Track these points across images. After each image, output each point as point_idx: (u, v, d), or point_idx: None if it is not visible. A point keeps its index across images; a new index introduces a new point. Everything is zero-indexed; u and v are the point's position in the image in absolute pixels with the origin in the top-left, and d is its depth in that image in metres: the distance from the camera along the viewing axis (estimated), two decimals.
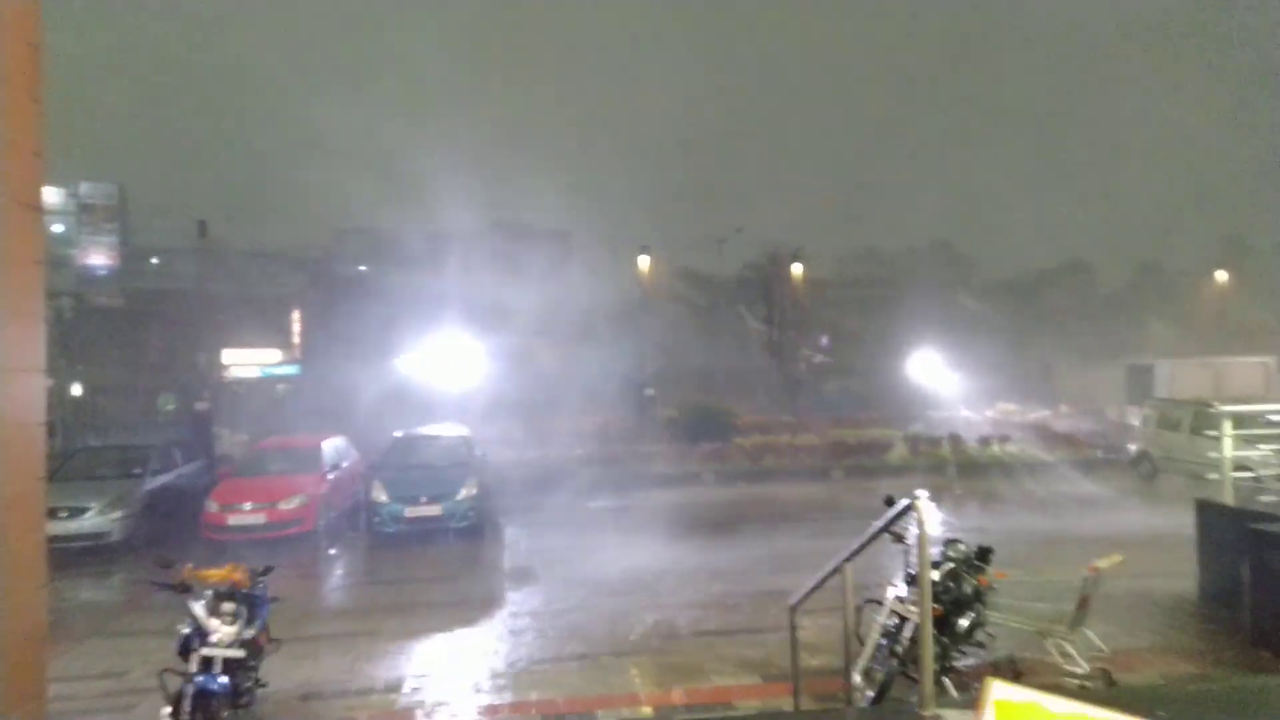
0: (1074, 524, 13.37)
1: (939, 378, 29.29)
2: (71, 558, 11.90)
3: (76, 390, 32.94)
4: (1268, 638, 7.04)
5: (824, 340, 33.03)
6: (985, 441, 20.07)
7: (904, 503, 3.77)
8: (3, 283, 4.73)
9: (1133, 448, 18.57)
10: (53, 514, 12.00)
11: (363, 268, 43.02)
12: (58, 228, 39.60)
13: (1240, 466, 11.20)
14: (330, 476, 13.82)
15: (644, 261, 27.73)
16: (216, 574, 5.85)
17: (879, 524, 4.11)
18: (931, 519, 3.25)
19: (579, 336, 31.65)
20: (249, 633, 5.89)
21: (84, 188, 41.03)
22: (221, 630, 5.59)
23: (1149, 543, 11.50)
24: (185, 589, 5.72)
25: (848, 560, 4.39)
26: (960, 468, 18.97)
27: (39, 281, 5.04)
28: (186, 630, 5.59)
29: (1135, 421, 20.18)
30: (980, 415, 27.19)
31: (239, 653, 5.64)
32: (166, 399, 33.98)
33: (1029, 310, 38.38)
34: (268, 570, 6.45)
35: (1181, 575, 9.21)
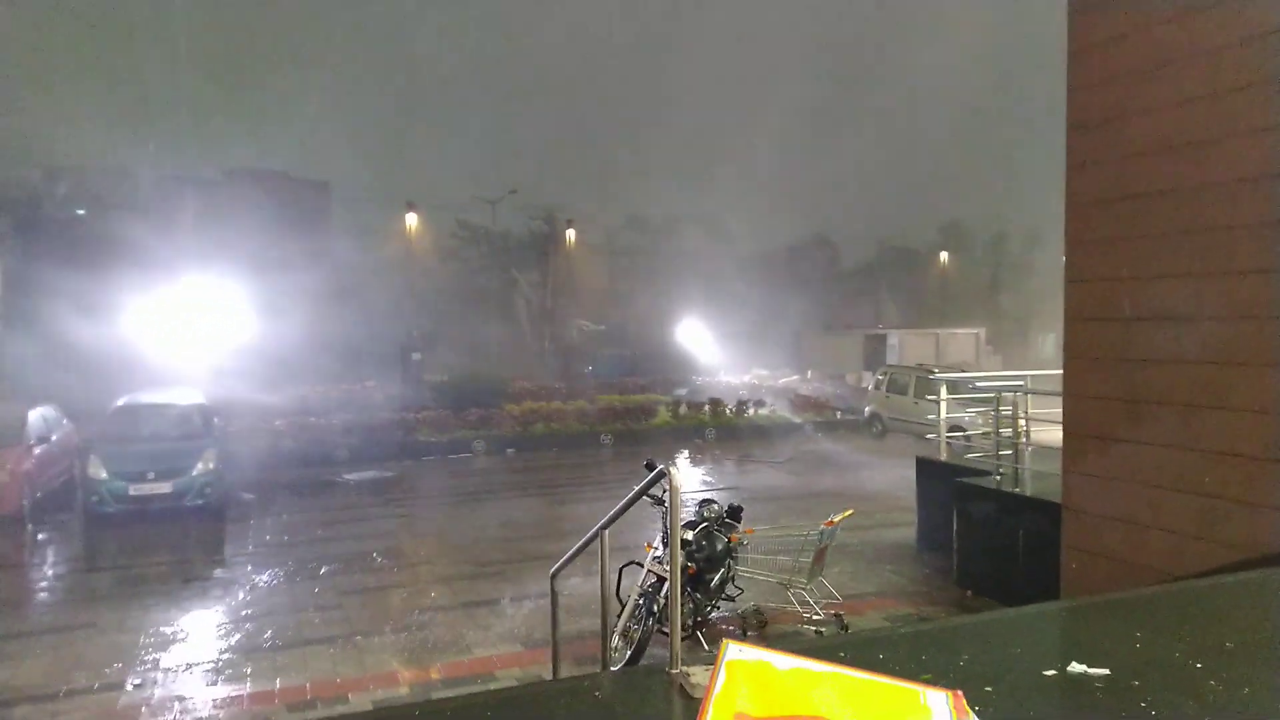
0: (816, 480, 14.54)
1: (702, 345, 30.74)
2: None
3: None
4: (969, 578, 8.01)
5: (591, 307, 33.52)
6: (741, 405, 21.29)
7: (659, 468, 3.82)
8: None
9: (867, 410, 20.47)
10: None
11: (80, 211, 37.90)
12: None
13: (955, 427, 12.67)
14: (36, 450, 12.06)
15: (411, 219, 26.57)
16: None
17: (635, 490, 4.15)
18: (680, 485, 3.30)
19: (340, 295, 29.88)
20: None
21: None
22: None
23: (878, 496, 12.75)
24: None
25: (605, 527, 4.40)
26: (719, 430, 20.03)
27: None
28: None
29: (869, 386, 22.26)
30: (738, 380, 28.84)
31: None
32: None
33: (780, 282, 41.15)
34: None
35: (906, 525, 10.28)
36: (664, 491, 6.18)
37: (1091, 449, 5.76)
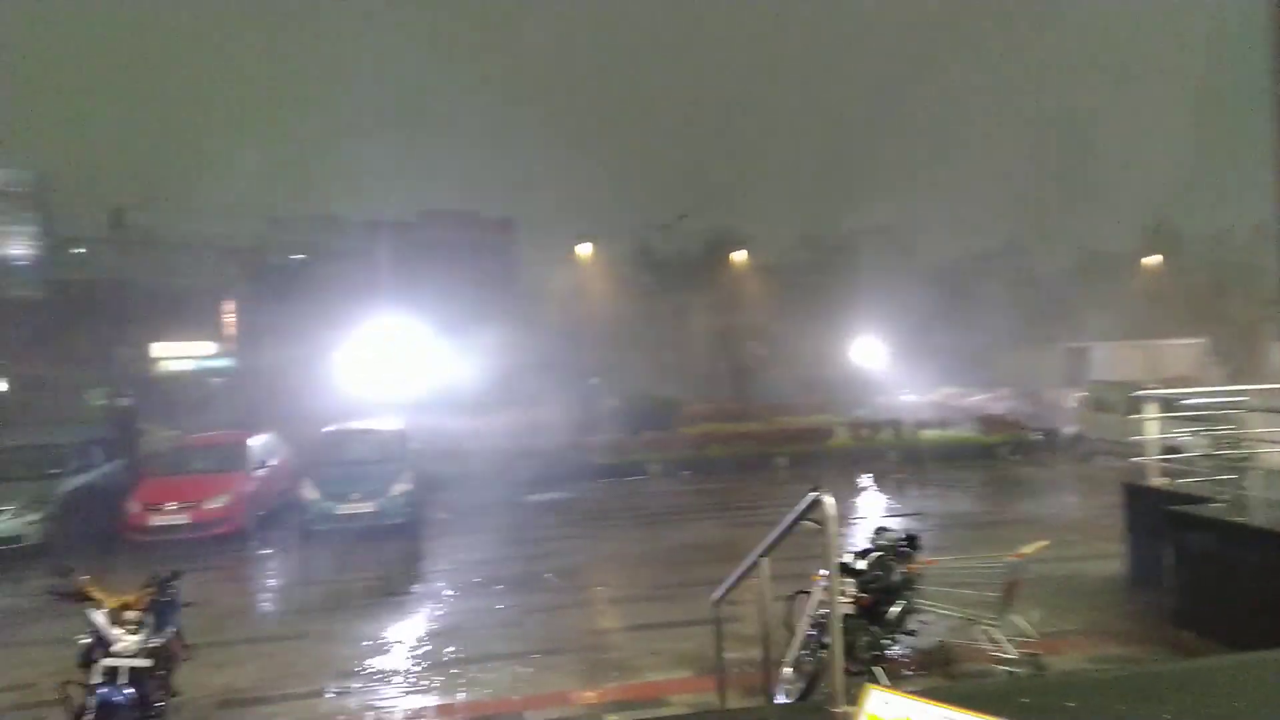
0: (1010, 507, 13.61)
1: (882, 363, 29.63)
2: None
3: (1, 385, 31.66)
4: (1189, 618, 7.17)
5: (766, 327, 33.17)
6: (926, 426, 20.30)
7: (811, 496, 3.68)
8: None
9: (1069, 430, 18.94)
10: None
11: (299, 257, 41.96)
12: None
13: (1170, 449, 11.46)
14: (258, 474, 13.38)
15: (585, 249, 27.45)
16: (114, 601, 5.49)
17: (790, 517, 4.02)
18: (834, 512, 3.16)
19: (522, 325, 31.28)
20: (157, 640, 5.59)
21: None
22: (125, 639, 5.29)
23: (1082, 525, 11.74)
24: (85, 598, 5.40)
25: (763, 554, 4.29)
26: (901, 453, 19.17)
27: None
28: (87, 640, 5.29)
29: (1071, 404, 20.61)
30: (922, 399, 27.55)
31: (145, 662, 5.35)
32: (95, 394, 32.78)
33: (969, 294, 38.98)
34: (176, 575, 6.13)
35: (1112, 557, 9.38)
36: (829, 518, 5.98)
37: None
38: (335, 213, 44.12)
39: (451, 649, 7.59)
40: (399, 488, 12.58)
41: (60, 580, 5.44)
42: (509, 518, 14.05)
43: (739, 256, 35.13)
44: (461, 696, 6.49)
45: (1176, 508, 7.55)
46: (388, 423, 14.98)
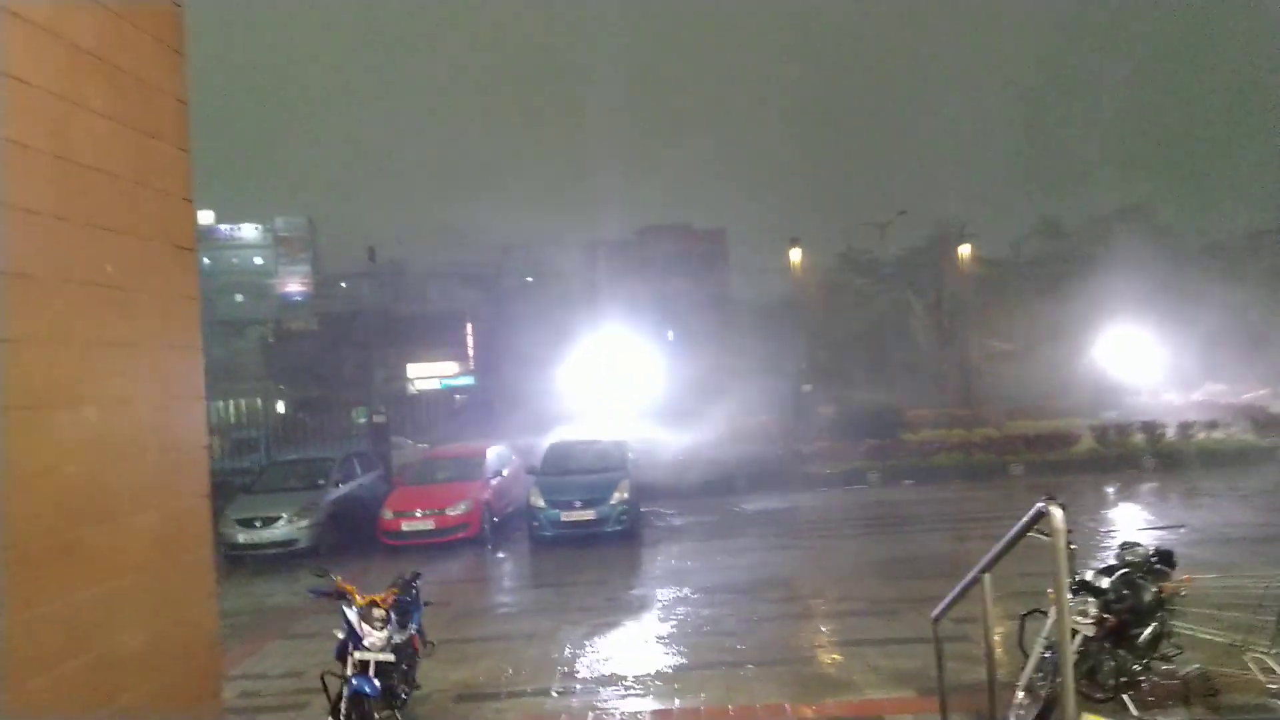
0: None
1: (1134, 360, 26.74)
2: (265, 563, 13.05)
3: (280, 408, 36.15)
4: None
5: (997, 325, 30.99)
6: (1187, 428, 18.11)
7: (1038, 507, 3.40)
8: (163, 318, 5.20)
9: None
10: (248, 524, 13.19)
11: (529, 279, 44.70)
12: (258, 260, 43.90)
13: None
14: (493, 483, 14.39)
15: (795, 254, 27.09)
16: (363, 600, 6.09)
17: (1014, 530, 3.74)
18: (1063, 525, 2.91)
19: (736, 334, 31.34)
20: (400, 637, 6.14)
21: (278, 222, 45.08)
22: (372, 635, 5.85)
23: None
24: (341, 596, 6.03)
25: (985, 569, 4.02)
26: (1157, 459, 17.24)
27: (194, 316, 5.49)
28: (342, 635, 5.91)
29: None
30: (1184, 399, 24.62)
31: (390, 656, 5.89)
32: (359, 412, 36.65)
33: (1240, 276, 34.29)
34: (416, 575, 6.72)
35: None
36: (1070, 531, 5.50)
37: None
38: (560, 235, 46.65)
39: (668, 655, 7.74)
40: (618, 496, 13.03)
41: (319, 581, 6.13)
42: (725, 526, 14.12)
43: (965, 251, 33.14)
44: (678, 703, 6.60)
45: None
46: (609, 434, 15.60)
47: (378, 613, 5.97)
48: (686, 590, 10.06)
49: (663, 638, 8.31)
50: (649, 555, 12.27)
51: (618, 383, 24.51)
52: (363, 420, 34.85)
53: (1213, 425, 18.35)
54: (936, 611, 5.04)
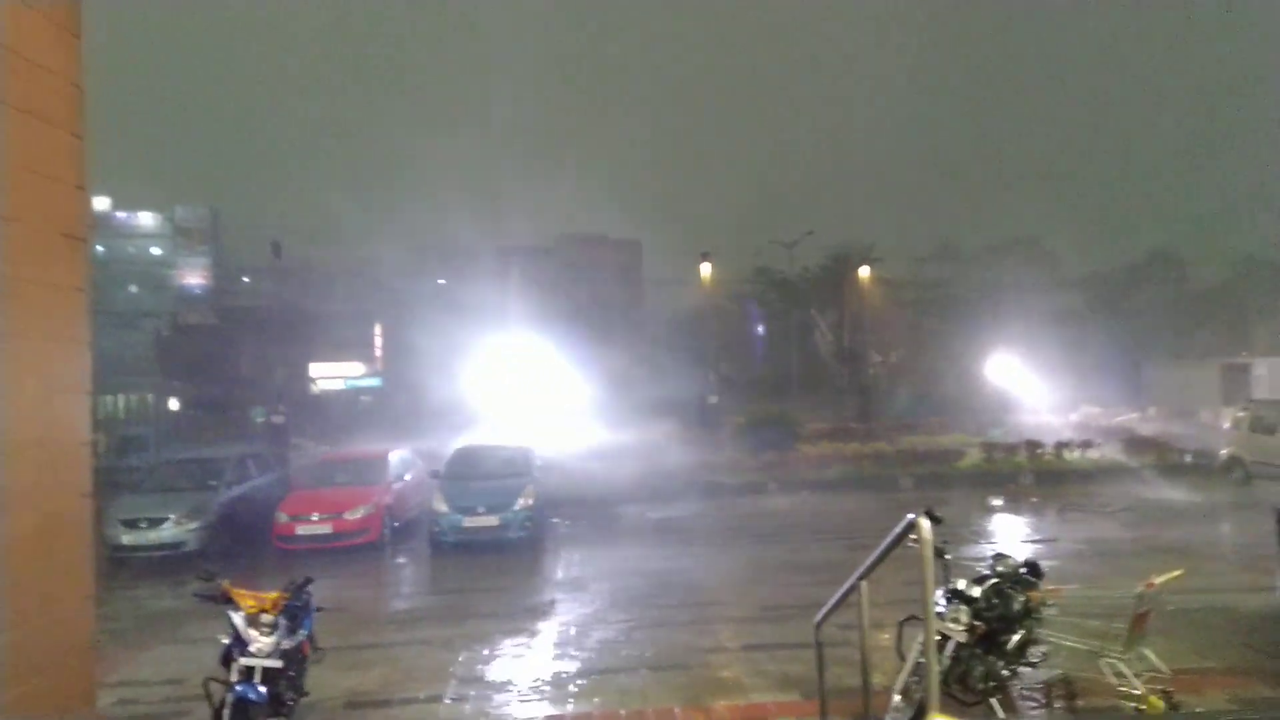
0: (1155, 534, 12.72)
1: (1019, 380, 28.24)
2: (152, 566, 12.51)
3: (173, 405, 34.65)
4: None
5: (894, 344, 32.24)
6: (1065, 447, 19.24)
7: (908, 519, 3.64)
8: (47, 309, 5.01)
9: (1224, 452, 17.55)
10: (133, 524, 12.65)
11: (441, 281, 44.09)
12: (155, 250, 41.96)
13: None
14: (395, 487, 14.17)
15: (706, 269, 27.59)
16: (253, 601, 5.98)
17: (888, 540, 3.98)
18: (930, 536, 3.13)
19: (647, 343, 31.69)
20: (289, 643, 6.03)
21: (179, 211, 43.28)
22: (259, 641, 5.74)
23: (1234, 554, 10.89)
24: (227, 600, 5.90)
25: (861, 577, 4.26)
26: (1038, 475, 18.24)
27: (82, 307, 5.32)
28: (227, 640, 5.78)
29: (1228, 424, 19.07)
30: (1063, 419, 26.11)
31: (277, 663, 5.78)
32: (258, 412, 35.45)
33: (1116, 307, 36.67)
34: (308, 581, 6.60)
35: (1266, 589, 8.68)
36: (946, 542, 5.83)
37: None
38: (475, 238, 46.17)
39: (564, 661, 7.81)
40: (522, 503, 13.02)
41: (204, 584, 5.98)
42: (628, 534, 14.27)
43: (866, 272, 34.38)
44: (570, 708, 6.68)
45: None
46: (514, 440, 15.55)
47: (266, 618, 5.86)
48: (585, 596, 10.16)
49: (559, 644, 8.37)
50: (551, 562, 12.32)
51: (527, 389, 24.45)
52: (261, 420, 33.75)
53: (1087, 445, 19.52)
54: (818, 617, 5.28)
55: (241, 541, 13.39)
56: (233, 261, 43.35)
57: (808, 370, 35.31)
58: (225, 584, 5.91)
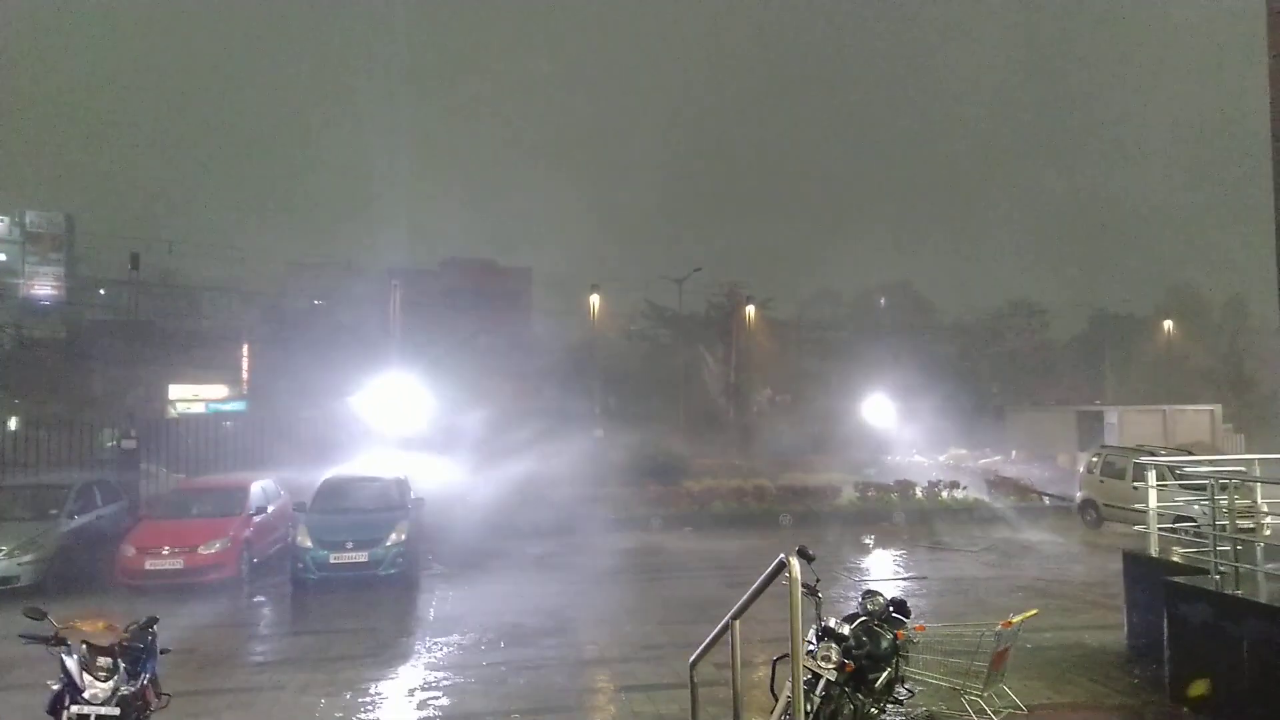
0: (1015, 573, 13.32)
1: (893, 422, 29.39)
2: None
3: (11, 425, 31.85)
4: (1185, 693, 6.94)
5: (778, 383, 33.08)
6: (934, 487, 20.05)
7: (779, 559, 3.62)
8: None
9: (1079, 495, 18.65)
10: None
11: (317, 302, 42.46)
12: (0, 256, 38.77)
13: (1182, 517, 11.23)
14: (256, 519, 13.35)
15: (595, 301, 27.63)
16: (91, 627, 5.49)
17: (760, 581, 3.96)
18: (799, 576, 3.09)
19: (532, 374, 31.34)
20: (129, 688, 5.51)
21: (30, 216, 40.24)
22: (95, 686, 5.22)
23: (1086, 593, 11.48)
24: (59, 642, 5.35)
25: (734, 617, 4.21)
26: (908, 514, 18.91)
27: None
28: (57, 687, 5.23)
29: (1082, 468, 20.32)
30: (933, 460, 27.28)
31: (113, 710, 5.26)
32: (107, 435, 33.02)
33: (983, 354, 38.86)
34: (153, 621, 6.07)
35: (1114, 628, 9.15)
36: (818, 580, 5.88)
37: None
38: (356, 260, 44.76)
39: (433, 705, 7.45)
40: (395, 538, 12.47)
41: (33, 623, 5.40)
42: (506, 570, 13.90)
43: (752, 311, 35.22)
44: None
45: (1175, 578, 7.37)
46: (388, 471, 14.91)
47: (103, 661, 5.34)
48: (458, 636, 9.78)
49: (430, 687, 8.00)
50: (424, 600, 11.83)
51: (405, 417, 23.68)
52: (110, 443, 31.44)
53: (954, 485, 20.41)
54: (693, 658, 5.20)
55: (83, 577, 12.32)
56: (89, 273, 40.55)
57: (694, 406, 35.74)
58: (57, 624, 5.36)
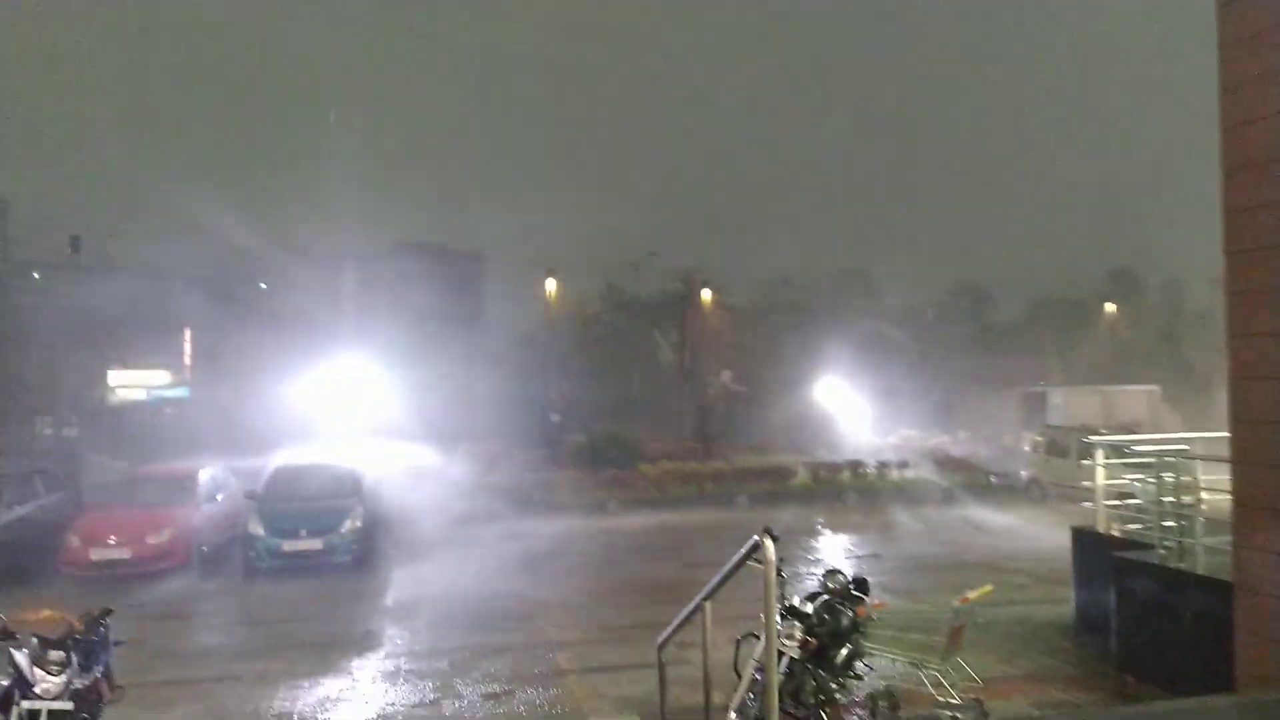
0: (965, 550, 13.64)
1: (845, 404, 29.78)
2: None
3: None
4: (1132, 663, 7.20)
5: (733, 367, 33.27)
6: (885, 467, 20.42)
7: (753, 540, 3.65)
8: None
9: (1024, 474, 19.15)
10: None
11: (262, 285, 41.50)
12: None
13: (1124, 495, 11.59)
14: (205, 508, 13.06)
15: (550, 285, 27.49)
16: (39, 618, 5.34)
17: (733, 561, 3.99)
18: (774, 557, 3.13)
19: (487, 360, 31.10)
20: (82, 681, 5.38)
21: None
22: (47, 680, 5.09)
23: (1034, 569, 11.81)
24: (8, 635, 5.19)
25: (706, 598, 4.25)
26: (860, 493, 19.24)
27: None
28: (7, 682, 5.08)
29: (1027, 448, 20.86)
30: (883, 441, 27.74)
31: (67, 705, 5.14)
32: (46, 423, 31.96)
33: (931, 336, 39.59)
34: (107, 612, 5.91)
35: (1062, 602, 9.43)
36: (782, 560, 5.96)
37: (1269, 522, 5.08)
38: (302, 243, 43.76)
39: (391, 693, 7.40)
40: (349, 525, 12.33)
41: None
42: (461, 556, 13.80)
43: (707, 296, 35.33)
44: None
45: (1121, 554, 7.61)
46: (340, 457, 14.68)
47: (55, 655, 5.20)
48: (416, 623, 9.70)
49: (392, 673, 7.93)
50: (380, 587, 11.69)
51: (357, 403, 23.33)
52: (50, 432, 30.46)
53: (904, 465, 20.80)
54: (661, 638, 5.24)
55: (25, 568, 11.91)
56: (22, 255, 39.00)
57: (650, 390, 35.80)
58: (12, 613, 5.20)
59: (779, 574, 6.24)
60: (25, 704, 4.97)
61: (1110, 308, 44.50)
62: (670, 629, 5.13)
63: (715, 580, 4.18)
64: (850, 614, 6.56)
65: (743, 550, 3.87)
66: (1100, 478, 8.93)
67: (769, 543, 3.20)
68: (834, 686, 6.49)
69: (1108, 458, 9.19)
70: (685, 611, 4.76)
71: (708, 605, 4.29)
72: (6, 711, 4.97)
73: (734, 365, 33.55)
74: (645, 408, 33.20)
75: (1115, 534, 8.64)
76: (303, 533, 12.00)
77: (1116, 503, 10.10)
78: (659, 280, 38.60)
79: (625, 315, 38.98)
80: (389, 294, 37.12)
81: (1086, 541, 8.93)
